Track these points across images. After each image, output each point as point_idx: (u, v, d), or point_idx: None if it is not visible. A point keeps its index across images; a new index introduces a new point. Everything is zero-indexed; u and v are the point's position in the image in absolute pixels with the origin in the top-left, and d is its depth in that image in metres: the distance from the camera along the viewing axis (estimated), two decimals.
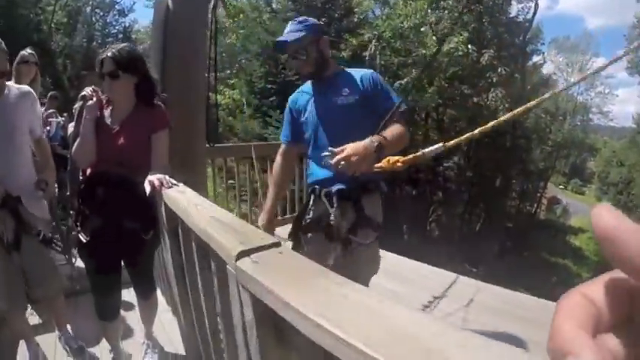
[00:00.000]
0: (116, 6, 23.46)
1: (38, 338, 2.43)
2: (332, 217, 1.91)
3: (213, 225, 1.10)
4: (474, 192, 17.50)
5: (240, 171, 5.62)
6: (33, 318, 2.64)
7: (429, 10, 13.72)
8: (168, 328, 2.57)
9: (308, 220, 2.02)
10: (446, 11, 14.43)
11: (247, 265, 0.84)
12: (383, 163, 1.75)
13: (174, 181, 1.81)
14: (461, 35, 13.00)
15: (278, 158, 2.21)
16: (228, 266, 0.93)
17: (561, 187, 40.60)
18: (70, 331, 2.50)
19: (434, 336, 0.54)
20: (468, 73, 14.47)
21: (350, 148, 1.63)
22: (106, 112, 2.04)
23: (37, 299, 2.34)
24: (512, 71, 16.86)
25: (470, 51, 13.42)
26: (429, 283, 3.29)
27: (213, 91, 3.80)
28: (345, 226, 1.91)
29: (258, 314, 0.85)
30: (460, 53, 12.74)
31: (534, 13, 19.59)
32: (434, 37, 12.94)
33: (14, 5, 14.27)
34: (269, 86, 9.16)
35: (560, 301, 0.23)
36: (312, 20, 2.00)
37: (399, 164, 1.75)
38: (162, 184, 1.77)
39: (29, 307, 2.51)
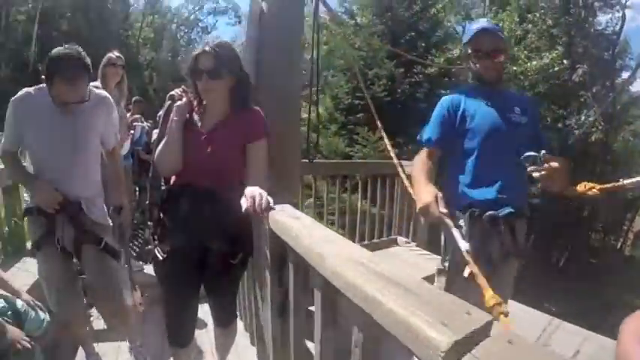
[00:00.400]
0: (199, 23, 24.75)
1: (101, 345, 2.35)
2: (494, 246, 1.73)
3: (380, 285, 0.72)
4: (558, 224, 16.13)
5: (329, 190, 5.27)
6: (98, 322, 2.52)
7: (516, 24, 12.97)
8: (243, 355, 2.31)
9: (467, 250, 1.54)
10: (531, 25, 13.61)
11: None
12: (579, 188, 1.77)
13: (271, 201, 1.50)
14: (555, 50, 12.10)
15: (422, 160, 1.85)
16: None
17: None
18: (141, 344, 2.36)
19: None
20: (559, 92, 13.42)
21: (559, 161, 1.59)
22: (196, 116, 1.82)
23: (104, 314, 2.23)
24: (605, 90, 15.58)
25: (565, 67, 12.46)
26: (526, 326, 2.91)
27: (315, 103, 3.54)
28: (498, 252, 1.74)
29: None
30: (556, 69, 11.83)
31: (622, 25, 18.16)
32: (524, 52, 12.16)
33: (104, 22, 15.17)
34: (356, 102, 8.83)
35: (627, 322, 0.20)
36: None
37: (595, 190, 1.74)
38: (264, 202, 1.47)
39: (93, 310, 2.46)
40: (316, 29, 2.92)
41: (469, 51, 1.88)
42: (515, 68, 11.75)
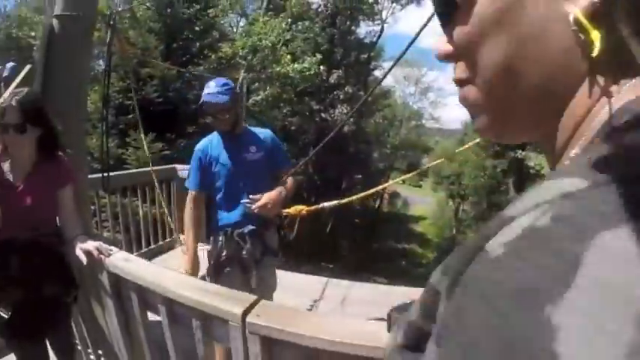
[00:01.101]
0: None
1: None
2: (245, 253, 2.25)
3: (203, 293, 1.22)
4: (321, 194, 19.58)
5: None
6: None
7: (285, 30, 15.00)
8: None
9: (224, 258, 2.28)
10: (300, 32, 16.00)
11: (254, 318, 1.07)
12: (291, 210, 2.52)
13: (108, 247, 1.75)
14: (314, 56, 14.62)
15: (190, 205, 2.35)
16: (231, 323, 1.09)
17: (400, 182, 46.62)
18: None
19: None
20: (317, 90, 16.35)
21: (266, 197, 2.13)
22: (4, 166, 1.80)
23: None
24: (357, 88, 19.41)
25: (320, 71, 15.20)
26: (307, 289, 3.67)
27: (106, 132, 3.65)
28: (257, 257, 2.29)
29: (264, 347, 1.09)
30: (312, 72, 14.35)
31: (379, 35, 22.69)
32: (288, 55, 14.27)
33: None
34: (127, 103, 9.33)
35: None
36: (232, 84, 2.31)
37: (303, 212, 2.56)
38: (100, 252, 1.70)
39: None
40: (109, 57, 3.59)
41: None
42: (278, 69, 13.78)
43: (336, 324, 1.10)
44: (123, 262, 1.53)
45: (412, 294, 3.77)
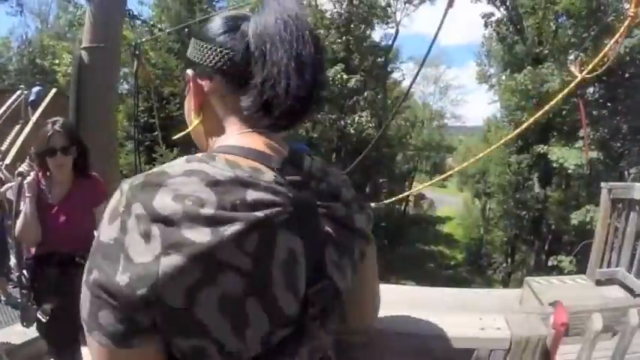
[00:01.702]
0: None
1: None
2: None
3: None
4: None
5: None
6: None
7: None
8: None
9: None
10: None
11: None
12: None
13: None
14: (335, 66, 14.85)
15: None
16: None
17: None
18: None
19: None
20: (337, 97, 16.57)
21: None
22: (45, 188, 2.00)
23: None
24: (376, 92, 19.53)
25: (341, 78, 15.44)
26: None
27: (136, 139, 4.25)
28: None
29: None
30: (337, 83, 14.65)
31: (394, 38, 22.81)
32: None
33: None
34: (152, 121, 9.84)
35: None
36: None
37: None
38: None
39: None
40: (137, 86, 4.04)
41: None
42: None
43: None
44: None
45: (434, 294, 3.90)
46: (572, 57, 5.81)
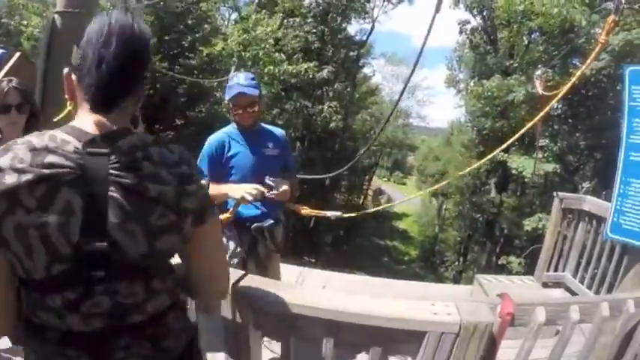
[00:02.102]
0: None
1: None
2: (259, 247, 2.29)
3: None
4: (306, 190, 19.75)
5: None
6: None
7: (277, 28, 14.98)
8: None
9: (244, 254, 2.29)
10: (291, 29, 16.05)
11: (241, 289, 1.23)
12: (295, 207, 2.90)
13: None
14: (306, 56, 14.68)
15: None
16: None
17: (385, 179, 47.25)
18: None
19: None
20: (306, 86, 16.45)
21: (286, 184, 2.16)
22: None
23: None
24: (346, 85, 19.60)
25: (313, 69, 15.31)
26: (288, 279, 3.61)
27: None
28: (269, 252, 2.35)
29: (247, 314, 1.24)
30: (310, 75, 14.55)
31: (369, 34, 22.87)
32: (281, 54, 14.30)
33: None
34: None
35: None
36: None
37: (304, 212, 3.00)
38: None
39: None
40: None
41: (230, 105, 2.22)
42: (271, 68, 13.83)
43: (310, 294, 1.30)
44: None
45: (387, 284, 4.06)
46: (538, 72, 6.02)
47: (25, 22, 10.10)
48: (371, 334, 1.21)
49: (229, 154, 2.24)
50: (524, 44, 13.76)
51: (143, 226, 0.83)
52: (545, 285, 3.80)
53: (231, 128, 2.31)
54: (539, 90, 5.83)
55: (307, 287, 3.64)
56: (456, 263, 20.00)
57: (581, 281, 3.50)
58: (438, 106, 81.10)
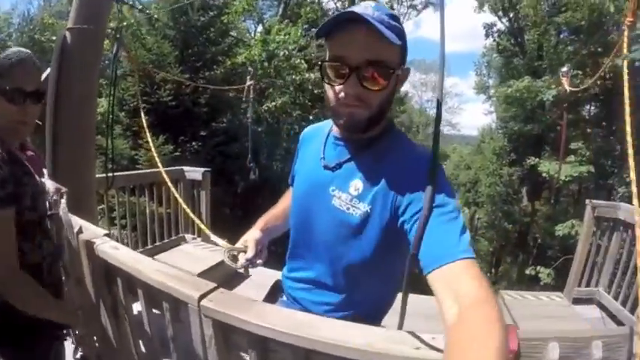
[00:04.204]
0: None
1: None
2: None
3: (170, 278, 1.27)
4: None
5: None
6: None
7: (301, 37, 15.03)
8: None
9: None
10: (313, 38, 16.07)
11: (208, 303, 1.12)
12: None
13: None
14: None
15: (283, 197, 1.58)
16: (190, 306, 1.17)
17: None
18: None
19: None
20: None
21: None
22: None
23: None
24: None
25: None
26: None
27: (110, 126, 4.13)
28: None
29: (217, 330, 1.15)
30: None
31: None
32: (304, 63, 14.30)
33: None
34: (143, 105, 9.62)
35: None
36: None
37: None
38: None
39: None
40: (114, 70, 3.81)
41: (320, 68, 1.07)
42: (294, 77, 13.84)
43: (281, 315, 1.11)
44: (112, 250, 1.55)
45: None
46: (565, 69, 5.69)
47: (54, 39, 10.56)
48: None
49: (296, 165, 1.38)
50: (553, 44, 13.19)
51: None
52: (575, 301, 3.49)
53: (328, 123, 1.30)
54: (566, 86, 5.57)
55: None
56: (488, 275, 19.22)
57: (616, 297, 3.22)
58: (469, 113, 79.58)
